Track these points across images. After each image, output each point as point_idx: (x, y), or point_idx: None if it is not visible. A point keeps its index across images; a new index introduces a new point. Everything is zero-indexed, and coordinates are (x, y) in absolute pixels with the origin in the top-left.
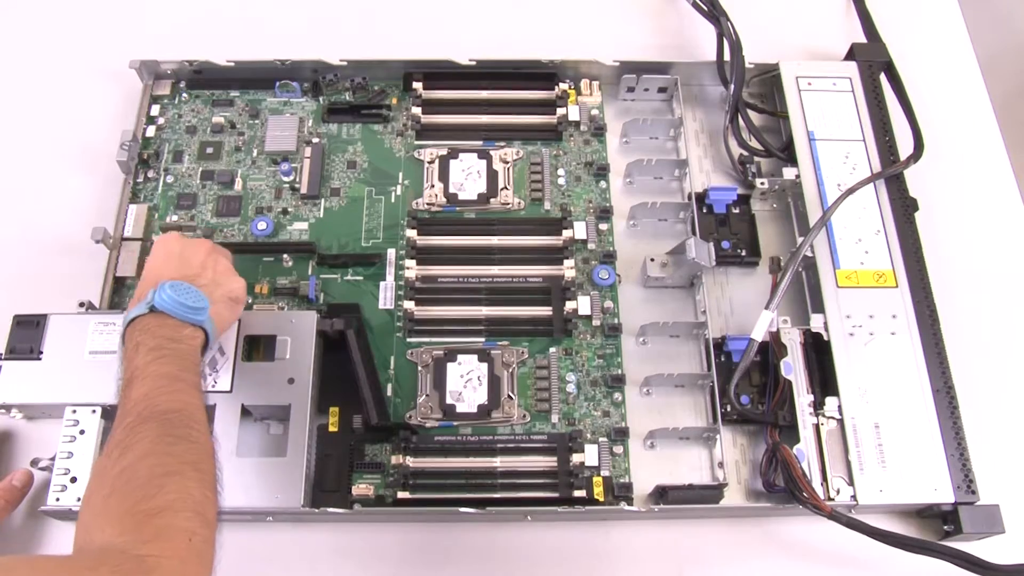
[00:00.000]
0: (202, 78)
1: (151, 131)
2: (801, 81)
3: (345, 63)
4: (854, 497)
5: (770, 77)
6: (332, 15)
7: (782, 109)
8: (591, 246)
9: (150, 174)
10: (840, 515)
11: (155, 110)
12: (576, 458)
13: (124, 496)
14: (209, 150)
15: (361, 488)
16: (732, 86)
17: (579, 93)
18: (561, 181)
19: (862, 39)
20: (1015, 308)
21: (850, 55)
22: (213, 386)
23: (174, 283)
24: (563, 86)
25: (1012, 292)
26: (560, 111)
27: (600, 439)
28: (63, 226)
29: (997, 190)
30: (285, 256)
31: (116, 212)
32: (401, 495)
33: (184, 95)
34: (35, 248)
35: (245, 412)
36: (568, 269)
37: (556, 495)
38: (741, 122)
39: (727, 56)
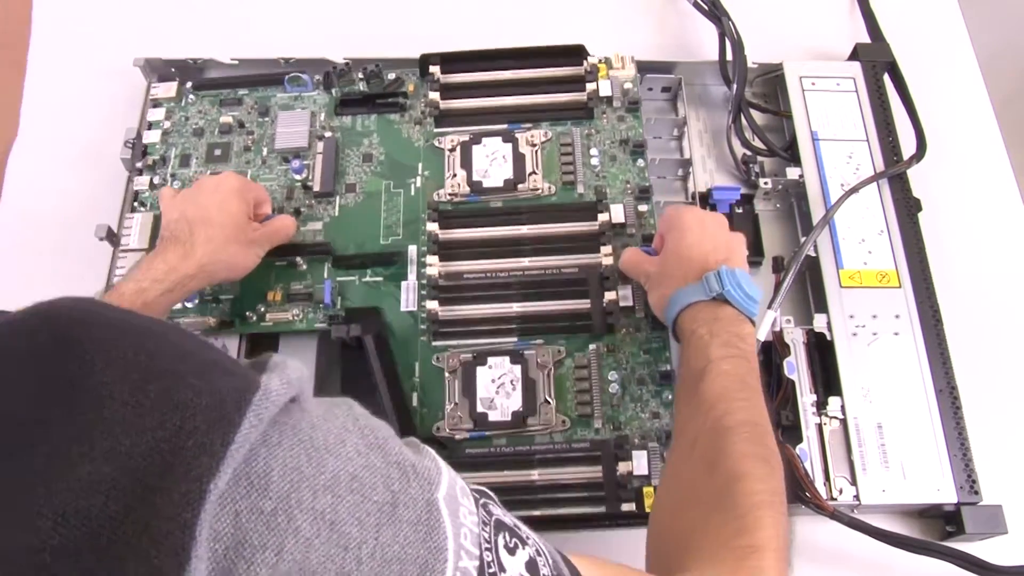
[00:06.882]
0: (209, 79)
1: (156, 136)
2: (805, 81)
3: (349, 62)
4: (857, 497)
5: (774, 77)
6: (336, 10)
7: (786, 109)
8: (631, 230)
9: (155, 180)
10: (842, 515)
11: (160, 114)
12: (623, 467)
13: (723, 523)
14: (217, 152)
15: None
16: (735, 86)
17: (610, 67)
18: (595, 161)
19: (866, 39)
20: (1018, 308)
21: (854, 55)
22: None
23: (740, 272)
24: (592, 60)
25: (1015, 293)
26: (590, 86)
27: (650, 444)
28: (66, 225)
29: (997, 190)
30: (299, 259)
31: (120, 210)
32: None
33: (191, 96)
34: (38, 247)
35: None
36: (606, 257)
37: (603, 510)
38: (744, 122)
39: (729, 56)
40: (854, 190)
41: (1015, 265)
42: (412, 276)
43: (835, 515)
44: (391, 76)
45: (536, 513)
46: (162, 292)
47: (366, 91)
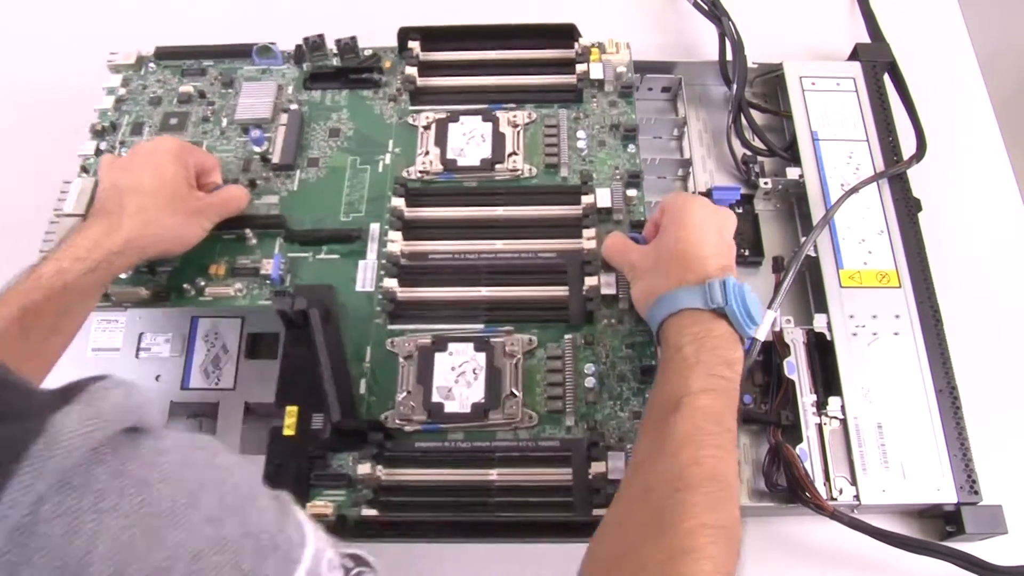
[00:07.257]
0: (173, 48)
1: (109, 102)
2: (805, 81)
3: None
4: (857, 497)
5: (774, 77)
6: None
7: (786, 109)
8: (617, 216)
9: (102, 146)
10: (842, 515)
11: (117, 80)
12: (596, 467)
13: None
14: (173, 121)
15: (318, 506)
16: (735, 86)
17: (603, 52)
18: (581, 144)
19: (866, 39)
20: (1017, 308)
21: (854, 55)
22: (216, 384)
23: (747, 288)
24: (584, 42)
25: (1015, 293)
26: (580, 67)
27: (628, 446)
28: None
29: (997, 190)
30: (248, 232)
31: None
32: (367, 513)
33: (151, 65)
34: (34, 244)
35: (248, 410)
36: (588, 240)
37: (570, 516)
38: (744, 122)
39: (729, 56)
40: (854, 190)
41: (1015, 265)
42: (372, 255)
43: (835, 515)
44: (367, 52)
45: (491, 518)
46: (84, 272)
47: (339, 65)
